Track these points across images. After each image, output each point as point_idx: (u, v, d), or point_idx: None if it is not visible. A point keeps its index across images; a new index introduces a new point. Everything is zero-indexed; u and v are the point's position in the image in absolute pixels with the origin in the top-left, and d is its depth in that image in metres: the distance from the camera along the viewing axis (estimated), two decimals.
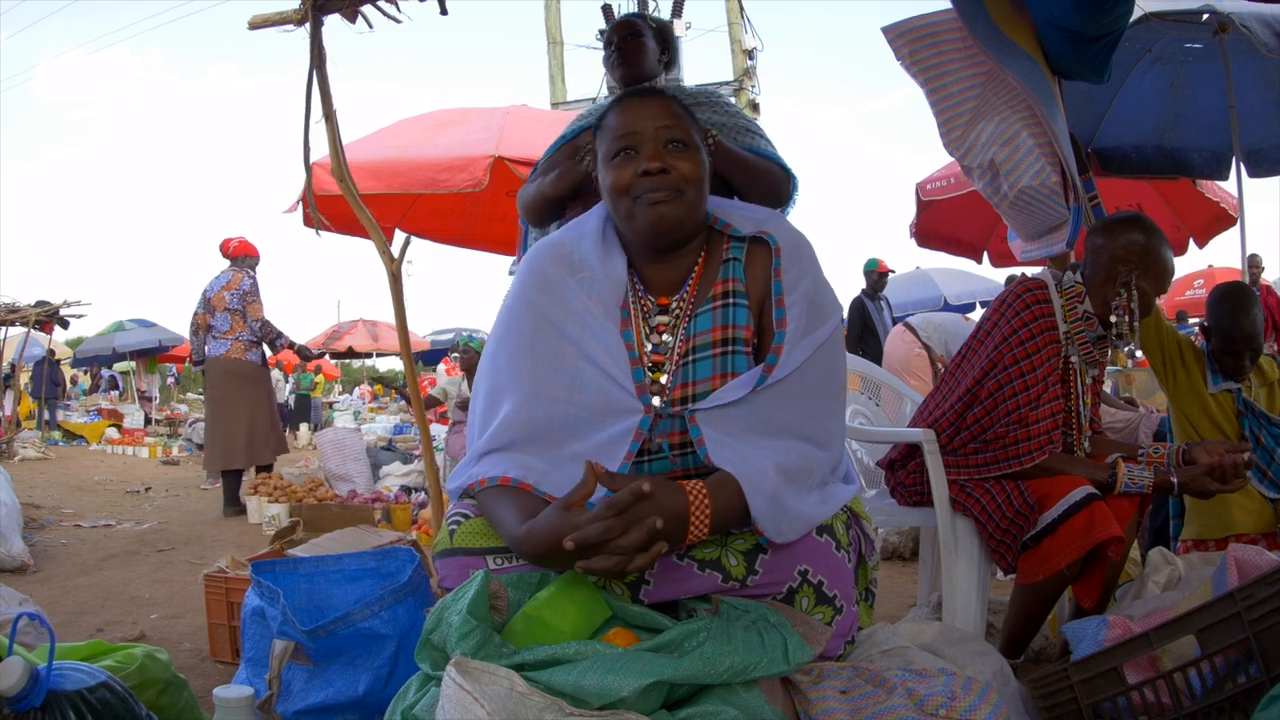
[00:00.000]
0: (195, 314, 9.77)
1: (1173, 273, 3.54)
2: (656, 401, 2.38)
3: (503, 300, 2.55)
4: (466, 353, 10.06)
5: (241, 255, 9.85)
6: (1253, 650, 2.30)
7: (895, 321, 10.67)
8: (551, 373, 2.38)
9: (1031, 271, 3.76)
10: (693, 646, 1.91)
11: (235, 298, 9.54)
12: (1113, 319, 3.45)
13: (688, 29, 16.43)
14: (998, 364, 3.49)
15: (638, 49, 4.35)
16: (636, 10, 4.57)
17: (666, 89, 4.25)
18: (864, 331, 11.47)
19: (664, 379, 2.41)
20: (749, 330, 2.42)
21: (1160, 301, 3.92)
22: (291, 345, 10.47)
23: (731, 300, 2.44)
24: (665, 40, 4.51)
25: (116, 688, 2.43)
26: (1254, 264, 11.15)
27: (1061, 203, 4.14)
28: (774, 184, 3.91)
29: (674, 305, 2.48)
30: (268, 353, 10.06)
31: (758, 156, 3.94)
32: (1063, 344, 3.51)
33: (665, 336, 2.46)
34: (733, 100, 4.42)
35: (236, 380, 9.64)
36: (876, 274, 11.80)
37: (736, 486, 2.15)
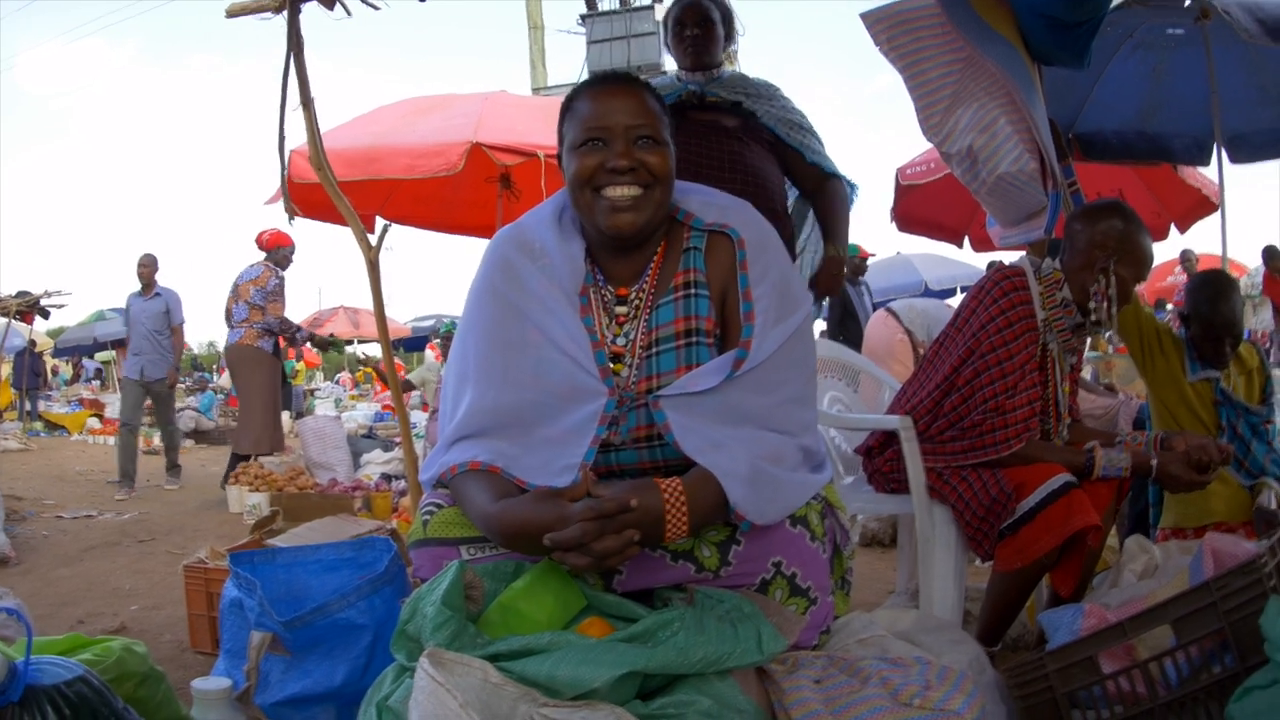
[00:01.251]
0: (226, 302, 10.08)
1: (1151, 260, 3.54)
2: (619, 386, 2.38)
3: (470, 285, 2.54)
4: (449, 339, 10.09)
5: (275, 247, 10.04)
6: (1228, 640, 2.31)
7: (875, 307, 10.66)
8: (517, 358, 2.37)
9: (1010, 258, 3.76)
10: (666, 637, 1.90)
11: (260, 294, 9.75)
12: (1091, 306, 3.45)
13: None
14: (975, 351, 3.49)
15: (710, 35, 4.37)
16: None
17: (694, 84, 4.27)
18: (844, 317, 11.45)
19: (624, 371, 2.41)
20: (710, 321, 2.41)
21: (1140, 288, 3.92)
22: (311, 338, 11.08)
23: (693, 291, 2.43)
24: (729, 24, 4.52)
25: (94, 681, 2.41)
26: (1272, 255, 11.07)
27: (1040, 189, 4.14)
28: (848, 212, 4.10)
29: (633, 296, 2.47)
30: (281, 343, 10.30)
31: (841, 205, 4.22)
32: (1040, 331, 3.51)
33: (625, 327, 2.45)
34: (785, 94, 4.44)
35: (246, 366, 9.91)
36: (857, 259, 11.79)
37: (713, 482, 2.16)
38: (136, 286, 11.08)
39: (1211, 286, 4.23)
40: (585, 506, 1.95)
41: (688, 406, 2.30)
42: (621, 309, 2.46)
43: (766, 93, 4.42)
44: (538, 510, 2.01)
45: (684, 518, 2.09)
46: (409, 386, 10.95)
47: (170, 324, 10.99)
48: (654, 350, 2.40)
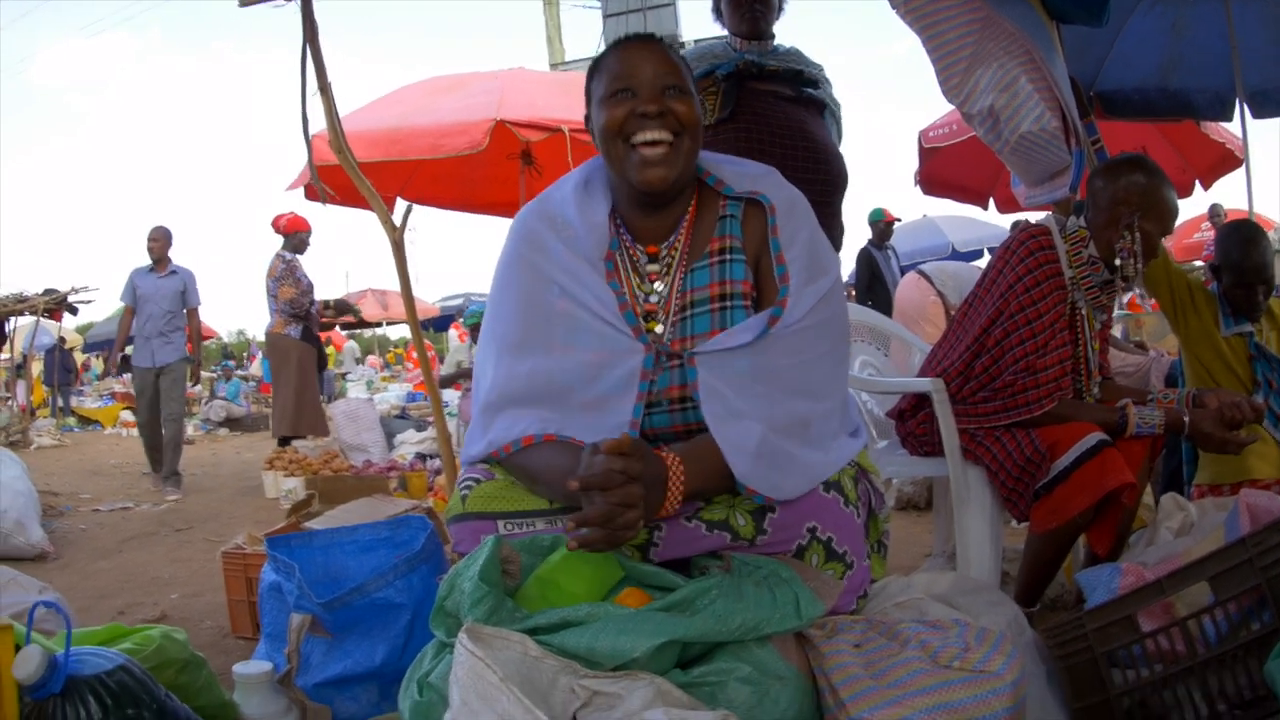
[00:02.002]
0: None
1: (1176, 213, 3.52)
2: (654, 343, 2.39)
3: (497, 260, 2.55)
4: (476, 328, 10.13)
5: (292, 231, 10.10)
6: (1265, 597, 2.29)
7: (903, 271, 10.64)
8: (548, 325, 2.39)
9: (1035, 217, 3.74)
10: (704, 605, 1.91)
11: (273, 284, 9.91)
12: (1117, 262, 3.44)
13: None
14: (1004, 312, 3.48)
15: (766, 8, 4.33)
16: None
17: (748, 53, 4.25)
18: (872, 281, 11.45)
19: (659, 328, 2.42)
20: (747, 284, 2.42)
21: (1169, 244, 3.90)
22: (327, 305, 11.27)
23: (729, 256, 2.44)
24: None
25: (135, 670, 2.43)
26: None
27: (1063, 147, 4.10)
28: None
29: (663, 253, 2.48)
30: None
31: None
32: (1069, 290, 3.50)
33: (658, 285, 2.46)
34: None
35: (276, 352, 10.13)
36: (883, 224, 11.76)
37: (713, 454, 2.18)
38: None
39: (1240, 233, 4.20)
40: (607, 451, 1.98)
41: (720, 365, 2.31)
42: (653, 266, 2.48)
43: (819, 73, 4.41)
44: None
45: (679, 489, 2.12)
46: (447, 383, 10.87)
47: (185, 305, 10.18)
48: (689, 313, 2.41)
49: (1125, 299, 8.91)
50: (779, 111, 4.14)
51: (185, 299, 10.13)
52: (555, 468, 2.20)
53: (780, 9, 4.43)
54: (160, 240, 10.09)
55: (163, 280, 10.10)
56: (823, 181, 3.60)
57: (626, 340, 2.37)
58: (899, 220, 12.38)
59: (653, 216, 2.48)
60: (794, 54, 4.40)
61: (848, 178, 4.36)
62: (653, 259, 2.48)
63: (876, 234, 11.75)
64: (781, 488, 2.21)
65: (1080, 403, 3.53)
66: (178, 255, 10.23)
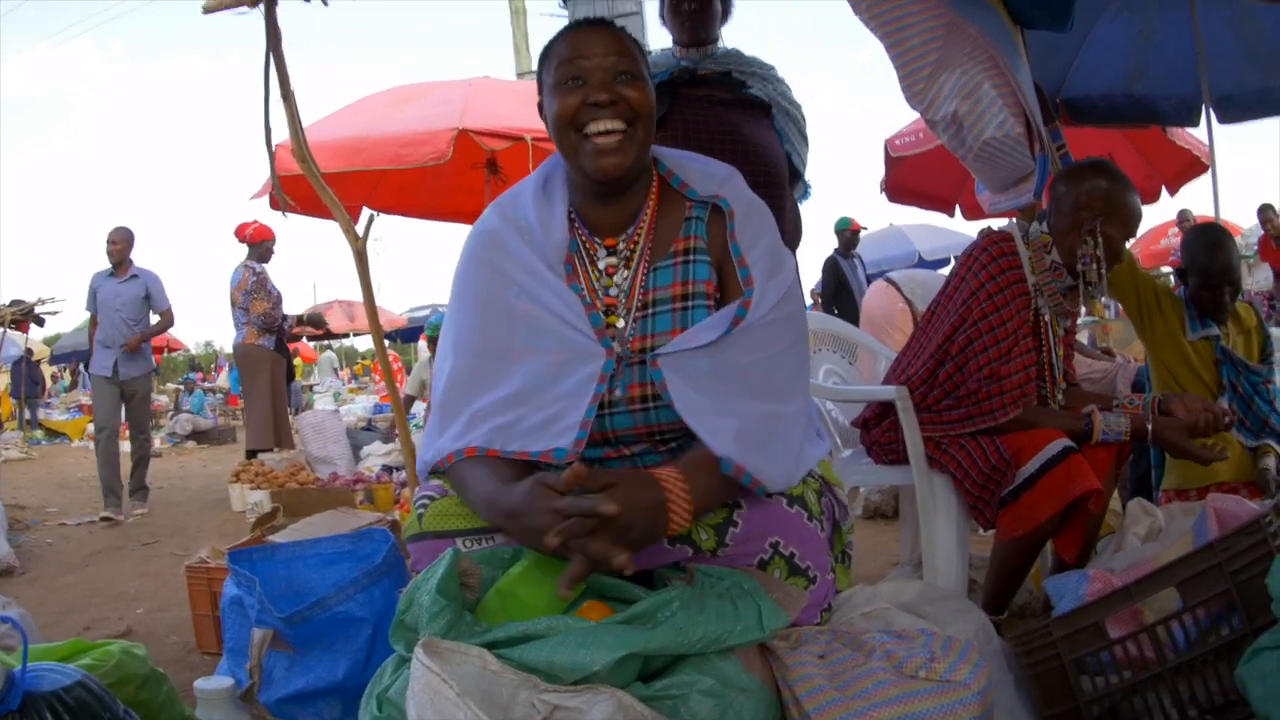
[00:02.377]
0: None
1: (1139, 218, 3.51)
2: (616, 346, 2.36)
3: (457, 262, 2.53)
4: (436, 331, 10.15)
5: (258, 240, 10.03)
6: (1235, 601, 2.30)
7: (869, 279, 10.67)
8: (508, 326, 2.37)
9: (1000, 224, 3.74)
10: (665, 617, 1.89)
11: (244, 297, 9.79)
12: (1080, 268, 3.44)
13: None
14: (967, 319, 3.47)
15: (709, 10, 4.33)
16: None
17: (688, 60, 4.25)
18: (839, 290, 11.52)
19: (619, 323, 2.40)
20: (710, 285, 2.40)
21: (1135, 249, 3.91)
22: (300, 320, 11.03)
23: (693, 257, 2.42)
24: (727, 0, 4.49)
25: (93, 686, 2.41)
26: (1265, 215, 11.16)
27: (1026, 153, 4.11)
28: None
29: (621, 246, 2.45)
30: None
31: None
32: (1032, 296, 3.50)
33: (615, 278, 2.43)
34: (780, 74, 4.46)
35: (250, 364, 10.00)
36: (849, 232, 11.84)
37: (710, 464, 2.15)
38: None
39: (1206, 236, 4.22)
40: (571, 504, 1.92)
41: (684, 365, 2.29)
42: (611, 259, 2.45)
43: (763, 71, 4.41)
44: (528, 502, 1.98)
45: (686, 504, 2.07)
46: (410, 402, 10.83)
47: (151, 310, 9.57)
48: (650, 311, 2.39)
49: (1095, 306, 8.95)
50: (710, 115, 4.16)
51: (151, 304, 9.53)
52: (475, 491, 2.18)
53: (724, 15, 4.44)
54: (120, 242, 9.42)
55: (123, 285, 9.45)
56: (756, 183, 3.62)
57: (588, 343, 2.34)
58: (865, 229, 12.45)
59: (609, 207, 2.46)
60: (731, 56, 4.40)
61: (795, 176, 4.39)
62: (610, 251, 2.46)
63: (843, 243, 11.82)
64: (764, 472, 2.18)
65: (1045, 409, 3.53)
66: (145, 262, 9.77)
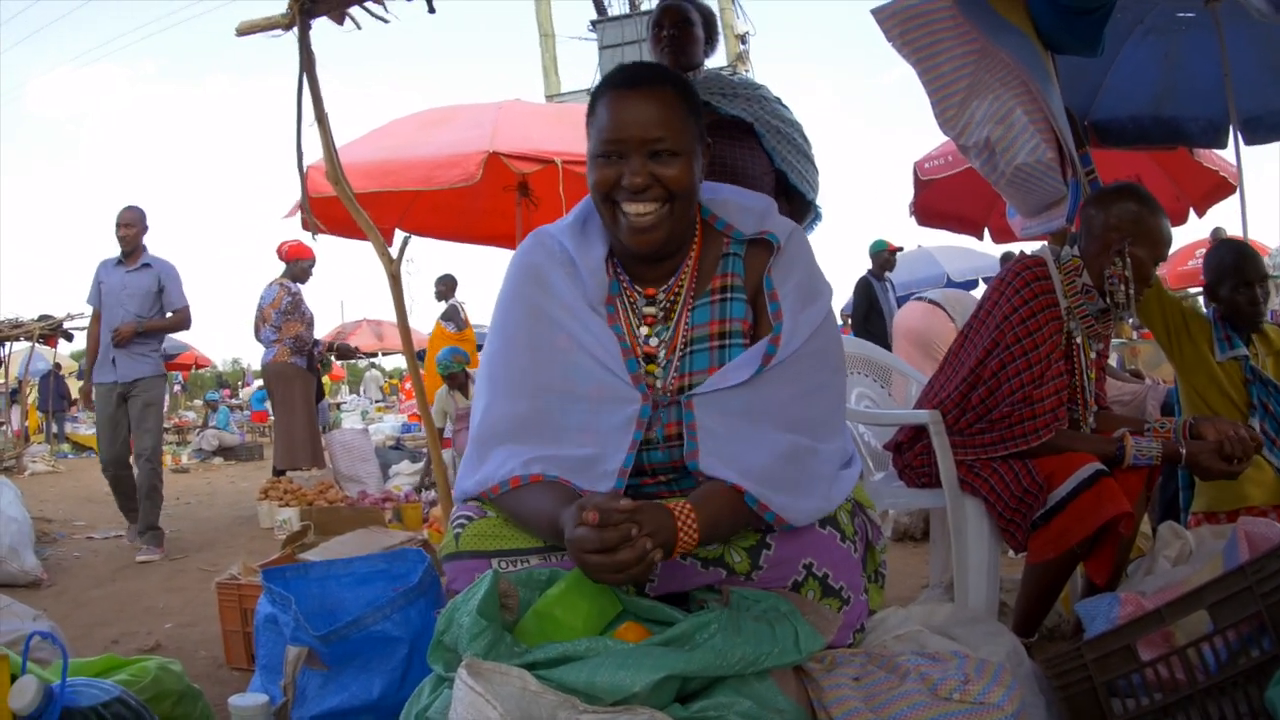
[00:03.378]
0: (254, 322, 10.00)
1: (1169, 240, 3.53)
2: (653, 391, 2.39)
3: (498, 294, 2.54)
4: (453, 378, 10.20)
5: (294, 259, 9.95)
6: (1265, 624, 2.30)
7: (900, 302, 10.64)
8: (546, 363, 2.39)
9: (1031, 248, 3.75)
10: (704, 639, 1.91)
11: (278, 315, 9.72)
12: (1108, 287, 3.45)
13: None
14: (1000, 343, 3.48)
15: (688, 38, 4.37)
16: None
17: (671, 73, 4.27)
18: (870, 311, 11.48)
19: (657, 371, 2.42)
20: (746, 323, 2.42)
21: (1162, 272, 3.91)
22: (330, 348, 10.88)
23: (729, 295, 2.44)
24: (710, 27, 4.53)
25: (131, 702, 2.43)
26: None
27: (1058, 178, 4.12)
28: None
29: (661, 296, 2.47)
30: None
31: None
32: (1064, 320, 3.51)
33: (656, 327, 2.46)
34: (773, 94, 4.49)
35: (281, 382, 9.89)
36: (886, 254, 11.79)
37: (724, 493, 2.18)
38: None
39: (1227, 244, 4.28)
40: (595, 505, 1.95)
41: (719, 404, 2.31)
42: (650, 309, 2.47)
43: (746, 91, 4.43)
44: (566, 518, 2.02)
45: (694, 528, 2.09)
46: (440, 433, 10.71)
47: (164, 307, 8.18)
48: (688, 350, 2.41)
49: (1123, 328, 8.91)
50: None
51: (164, 299, 8.17)
52: (540, 511, 2.19)
53: (709, 41, 4.47)
54: (132, 225, 8.13)
55: (132, 275, 8.12)
56: None
57: (625, 388, 2.37)
58: (901, 250, 12.40)
59: (651, 264, 2.48)
60: (710, 79, 4.45)
61: (804, 202, 4.42)
62: (650, 301, 2.48)
63: (878, 264, 11.77)
64: (790, 509, 2.20)
65: (1077, 433, 3.54)
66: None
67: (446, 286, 12.39)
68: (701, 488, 2.21)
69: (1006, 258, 13.90)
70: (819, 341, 2.38)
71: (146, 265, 8.16)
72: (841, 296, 16.36)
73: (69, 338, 19.85)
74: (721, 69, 4.53)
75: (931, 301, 7.70)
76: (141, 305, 8.04)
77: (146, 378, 8.05)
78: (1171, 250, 3.66)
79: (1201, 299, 4.78)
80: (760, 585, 2.24)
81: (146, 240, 8.29)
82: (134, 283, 8.07)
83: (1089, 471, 3.25)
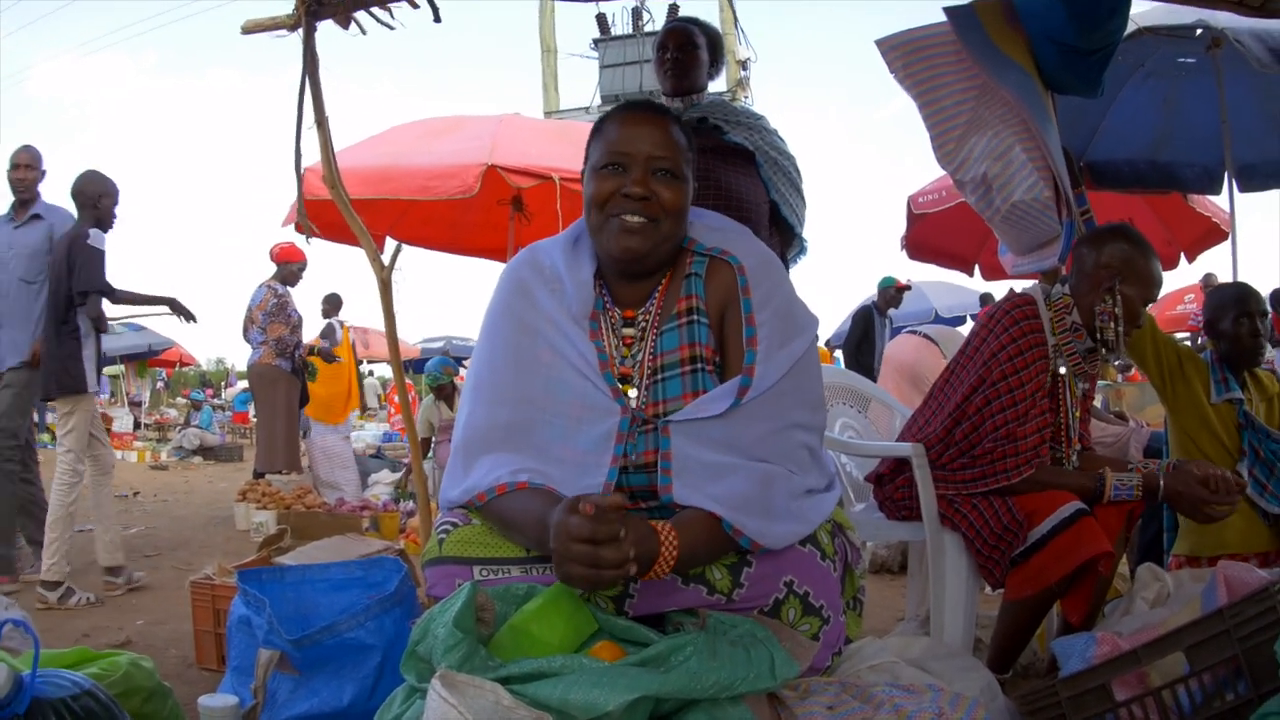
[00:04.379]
0: (243, 323, 10.00)
1: (1159, 281, 3.55)
2: (631, 405, 2.41)
3: (486, 306, 2.57)
4: (440, 390, 10.21)
5: (284, 261, 9.96)
6: (1241, 667, 2.30)
7: (891, 336, 10.67)
8: (530, 375, 2.42)
9: (1021, 285, 3.76)
10: (679, 661, 1.90)
11: (264, 317, 9.71)
12: (1097, 325, 3.46)
13: None
14: (985, 380, 3.49)
15: (692, 61, 4.39)
16: (683, 17, 4.61)
17: (673, 109, 4.28)
18: (862, 341, 11.52)
19: (632, 393, 2.43)
20: (709, 349, 2.44)
21: (1154, 313, 3.92)
22: (311, 351, 10.59)
23: (694, 318, 2.47)
24: (715, 50, 4.54)
25: (100, 696, 2.42)
26: None
27: (1054, 217, 4.14)
28: None
29: (639, 318, 2.51)
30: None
31: None
32: (1051, 358, 3.52)
33: (633, 349, 2.49)
34: (772, 126, 4.51)
35: (265, 384, 9.86)
36: (894, 290, 11.81)
37: (703, 520, 2.19)
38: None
39: (1232, 282, 4.30)
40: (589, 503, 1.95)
41: (695, 433, 2.33)
42: (629, 331, 2.50)
43: (749, 120, 4.45)
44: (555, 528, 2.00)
45: (674, 546, 2.10)
46: (427, 444, 10.50)
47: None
48: (660, 376, 2.43)
49: (1108, 370, 8.94)
50: None
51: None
52: (530, 512, 2.20)
53: (713, 65, 4.49)
54: (27, 167, 6.65)
55: (20, 231, 6.61)
56: None
57: (605, 400, 2.39)
58: (909, 288, 12.43)
59: (631, 284, 2.52)
60: (714, 105, 4.46)
61: (790, 233, 4.43)
62: (629, 323, 2.51)
63: (883, 299, 11.80)
64: (767, 534, 2.22)
65: (1059, 469, 3.54)
66: (159, 278, 7.71)
67: (331, 305, 12.29)
68: (682, 514, 2.22)
69: (986, 299, 13.96)
70: (797, 378, 2.40)
71: (36, 217, 6.63)
72: (831, 326, 16.39)
73: None
74: (721, 94, 4.54)
75: (924, 335, 7.74)
76: (28, 268, 6.52)
77: (20, 363, 6.51)
78: (1161, 294, 3.67)
79: (1189, 342, 4.81)
80: (742, 603, 2.25)
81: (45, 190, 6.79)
82: (22, 240, 6.56)
83: (1070, 510, 3.26)
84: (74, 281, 6.11)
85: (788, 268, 4.58)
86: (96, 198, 6.35)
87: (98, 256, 6.21)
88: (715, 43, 4.58)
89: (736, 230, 2.60)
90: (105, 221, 6.41)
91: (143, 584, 6.35)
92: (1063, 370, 3.55)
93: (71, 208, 6.47)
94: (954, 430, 3.56)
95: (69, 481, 6.25)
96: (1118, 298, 3.44)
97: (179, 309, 6.83)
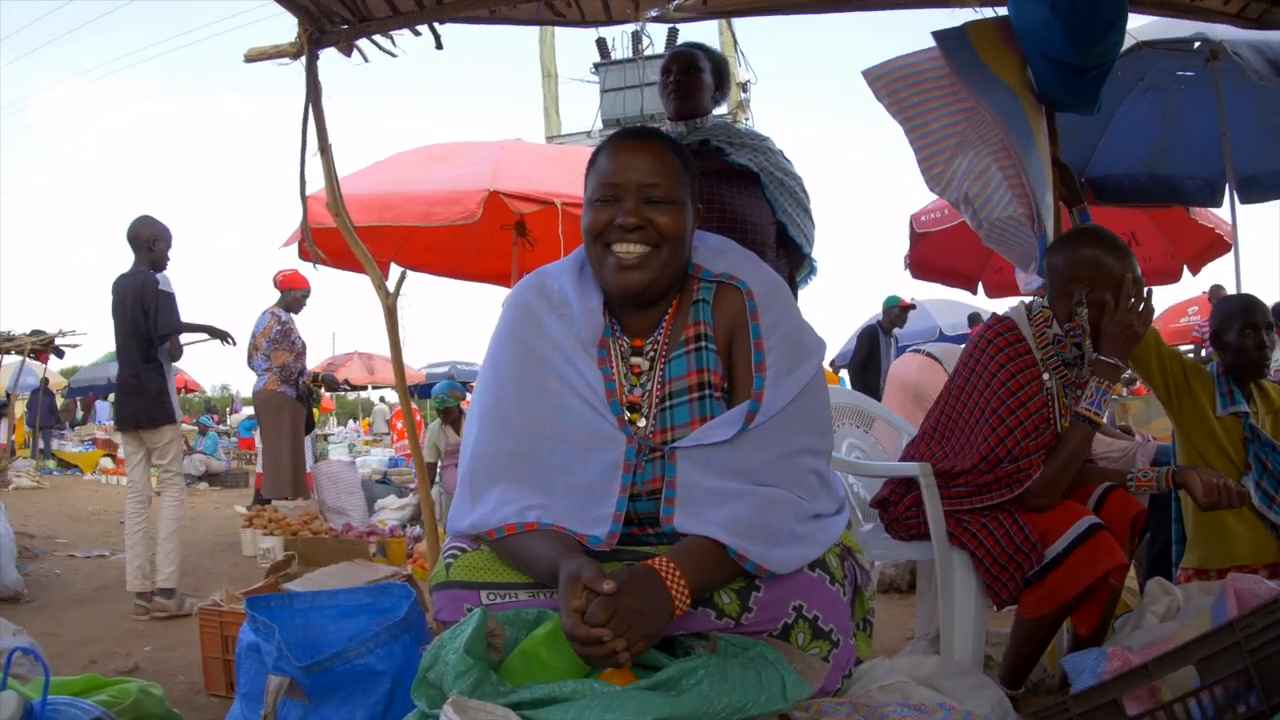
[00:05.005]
0: (248, 349, 9.97)
1: (1130, 274, 3.45)
2: (638, 435, 2.41)
3: (492, 332, 2.57)
4: (447, 413, 10.22)
5: (287, 288, 9.95)
6: (1253, 679, 2.30)
7: (897, 353, 10.69)
8: (536, 404, 2.41)
9: (1023, 300, 3.77)
10: (690, 685, 1.90)
11: (268, 344, 9.67)
12: (1068, 340, 3.47)
13: None
14: (977, 399, 3.53)
15: (696, 84, 4.40)
16: (689, 42, 4.63)
17: (676, 133, 4.28)
18: (868, 360, 11.54)
19: (641, 422, 2.43)
20: (717, 375, 2.44)
21: (1157, 326, 3.92)
22: (316, 378, 10.69)
23: (703, 344, 2.47)
24: (721, 75, 4.55)
25: None
26: None
27: (1030, 233, 4.15)
28: None
29: (648, 348, 2.51)
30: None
31: None
32: (1040, 369, 3.52)
33: (641, 378, 2.49)
34: (777, 146, 4.52)
35: (270, 411, 9.83)
36: (898, 310, 11.82)
37: (702, 546, 2.18)
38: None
39: (1238, 294, 4.31)
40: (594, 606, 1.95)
41: (702, 459, 2.33)
42: (637, 360, 2.50)
43: (754, 142, 4.46)
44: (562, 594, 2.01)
45: (684, 588, 2.09)
46: (433, 469, 10.49)
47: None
48: (669, 403, 2.43)
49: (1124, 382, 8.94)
50: None
51: None
52: (538, 558, 2.21)
53: (719, 88, 4.50)
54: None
55: None
56: None
57: (611, 429, 2.39)
58: (914, 307, 12.45)
59: (638, 313, 2.52)
60: (717, 128, 4.47)
61: (799, 254, 4.44)
62: (637, 352, 2.51)
63: (889, 319, 11.82)
64: (770, 558, 2.20)
65: (1090, 468, 3.63)
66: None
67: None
68: (683, 543, 2.22)
69: (974, 319, 13.97)
70: (805, 404, 2.40)
71: None
72: (835, 346, 16.39)
73: (60, 354, 19.79)
74: (722, 116, 4.55)
75: (928, 355, 7.74)
76: None
77: None
78: (1163, 306, 3.67)
79: (1194, 355, 4.81)
80: (750, 627, 2.24)
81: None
82: None
83: (1084, 525, 3.25)
84: (154, 325, 6.81)
85: (797, 289, 4.58)
86: (151, 241, 6.99)
87: (170, 300, 6.92)
88: (720, 68, 4.59)
89: (742, 254, 2.60)
90: (160, 263, 7.02)
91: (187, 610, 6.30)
92: (1050, 384, 3.54)
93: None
94: (953, 448, 3.59)
95: (179, 499, 7.07)
96: (1084, 312, 3.45)
97: (216, 333, 7.56)
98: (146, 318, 6.80)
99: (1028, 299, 3.76)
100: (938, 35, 4.23)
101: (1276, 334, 4.34)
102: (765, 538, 2.21)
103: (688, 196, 2.46)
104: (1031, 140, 4.12)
